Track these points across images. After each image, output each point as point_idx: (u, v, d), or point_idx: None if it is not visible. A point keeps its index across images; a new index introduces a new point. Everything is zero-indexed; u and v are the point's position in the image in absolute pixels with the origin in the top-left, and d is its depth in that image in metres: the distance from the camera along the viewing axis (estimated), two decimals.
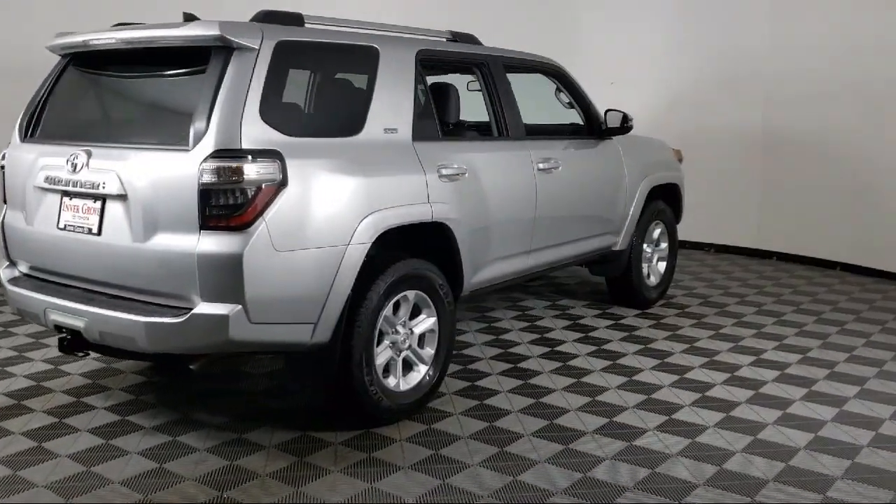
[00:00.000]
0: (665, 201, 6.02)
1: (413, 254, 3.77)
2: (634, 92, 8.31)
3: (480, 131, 5.61)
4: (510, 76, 5.45)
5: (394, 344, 3.72)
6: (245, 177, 3.02)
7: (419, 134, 3.84)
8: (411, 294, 3.73)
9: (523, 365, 4.55)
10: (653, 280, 5.92)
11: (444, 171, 3.84)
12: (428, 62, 4.16)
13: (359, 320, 3.45)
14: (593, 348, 4.86)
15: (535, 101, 5.48)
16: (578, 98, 5.17)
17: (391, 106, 3.72)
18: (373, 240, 3.43)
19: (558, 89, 5.19)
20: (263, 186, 3.06)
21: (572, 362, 4.60)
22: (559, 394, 4.11)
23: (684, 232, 8.25)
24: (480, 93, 4.54)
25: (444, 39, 4.38)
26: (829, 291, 6.43)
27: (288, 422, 3.72)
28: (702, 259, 7.76)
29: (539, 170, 4.54)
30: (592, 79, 8.39)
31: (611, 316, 5.59)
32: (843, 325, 5.45)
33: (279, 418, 3.76)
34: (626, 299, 5.83)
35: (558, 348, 4.85)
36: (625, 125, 5.16)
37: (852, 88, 6.99)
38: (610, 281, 5.83)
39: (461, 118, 5.30)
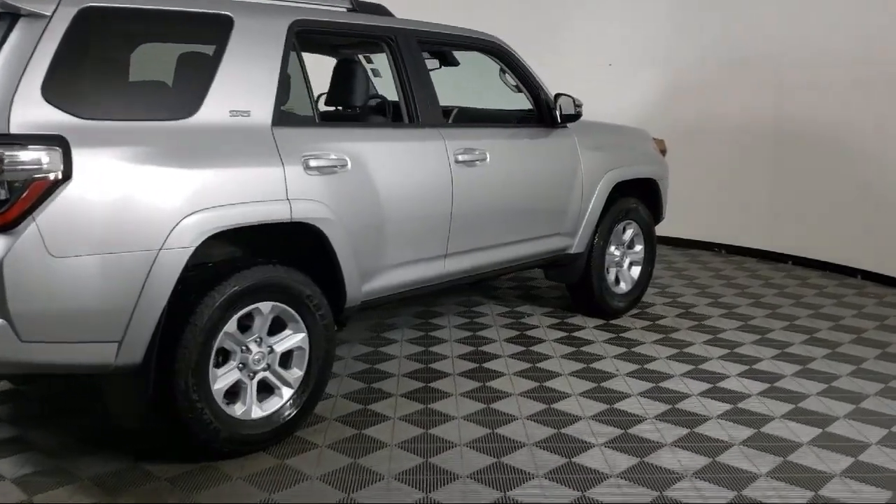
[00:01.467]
0: (641, 198, 5.34)
1: (285, 260, 3.25)
2: (634, 75, 7.57)
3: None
4: (459, 54, 4.89)
5: (244, 365, 3.19)
6: (6, 167, 2.52)
7: (284, 118, 3.29)
8: (266, 306, 3.19)
9: (437, 385, 3.96)
10: (623, 287, 5.24)
11: (312, 163, 3.28)
12: (309, 35, 3.60)
13: (185, 338, 2.93)
14: (525, 367, 4.24)
15: (486, 84, 4.87)
16: (525, 80, 4.53)
17: (243, 85, 3.17)
18: (196, 244, 2.90)
19: (502, 70, 4.55)
20: (34, 179, 2.55)
21: (493, 383, 3.99)
22: (457, 423, 3.52)
23: (693, 231, 7.55)
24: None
25: (344, 10, 3.79)
26: (837, 304, 5.62)
27: (117, 449, 3.23)
28: (707, 262, 6.99)
29: (457, 162, 3.93)
30: (589, 60, 7.73)
31: (567, 327, 4.94)
32: (835, 347, 4.68)
33: (107, 445, 3.28)
34: (588, 308, 5.18)
35: (486, 364, 4.25)
36: (571, 113, 4.49)
37: (879, 73, 6.12)
38: (569, 288, 5.17)
39: (376, 101, 4.78)
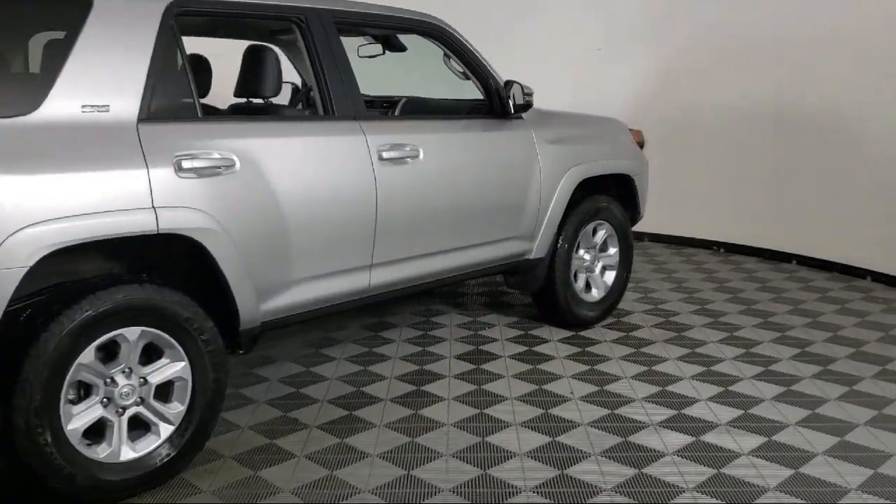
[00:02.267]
0: (616, 196, 4.83)
1: (170, 278, 2.83)
2: (627, 62, 7.01)
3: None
4: (413, 40, 4.43)
5: (110, 399, 2.76)
6: None
7: (155, 113, 2.83)
8: (132, 332, 2.75)
9: (362, 414, 3.50)
10: (595, 294, 4.73)
11: (187, 164, 2.83)
12: (194, 18, 3.15)
13: (24, 372, 2.51)
14: (468, 389, 3.76)
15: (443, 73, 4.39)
16: (471, 66, 4.03)
17: (101, 75, 2.72)
18: (31, 262, 2.46)
19: (446, 55, 4.06)
20: None
21: (427, 411, 3.52)
22: (369, 461, 3.06)
23: (689, 228, 6.99)
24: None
25: None
26: (839, 311, 5.05)
27: None
28: (701, 262, 6.44)
29: (382, 159, 3.45)
30: (578, 45, 7.19)
31: (528, 340, 4.45)
32: (828, 364, 4.13)
33: None
34: (554, 318, 4.68)
35: (427, 387, 3.78)
36: (521, 103, 4.00)
37: (892, 57, 5.52)
38: (533, 297, 4.68)
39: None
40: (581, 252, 4.65)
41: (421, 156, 3.61)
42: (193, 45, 3.41)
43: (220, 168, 2.92)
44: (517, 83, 3.98)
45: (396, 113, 4.46)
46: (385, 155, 3.46)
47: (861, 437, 3.28)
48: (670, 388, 3.79)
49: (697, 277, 5.90)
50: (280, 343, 4.40)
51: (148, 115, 2.80)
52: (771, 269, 6.19)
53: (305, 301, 3.31)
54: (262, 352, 4.24)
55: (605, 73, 7.09)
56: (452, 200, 3.79)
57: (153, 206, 2.72)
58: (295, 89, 4.96)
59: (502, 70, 4.13)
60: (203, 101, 3.84)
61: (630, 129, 4.99)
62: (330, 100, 3.39)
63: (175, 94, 2.94)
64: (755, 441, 3.24)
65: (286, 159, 3.13)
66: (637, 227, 7.16)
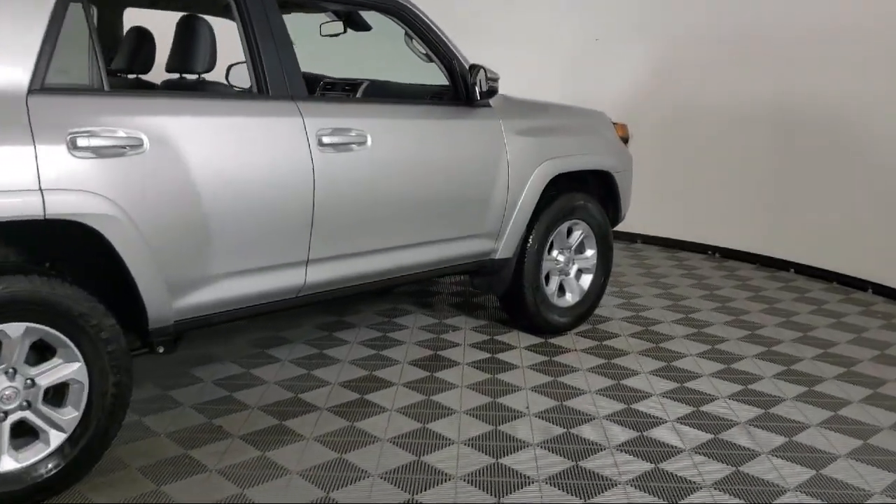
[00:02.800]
0: (596, 194, 4.50)
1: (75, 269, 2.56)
2: (623, 53, 6.65)
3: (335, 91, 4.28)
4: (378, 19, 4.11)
5: None
6: None
7: (50, 84, 2.53)
8: (15, 329, 2.45)
9: (292, 424, 3.20)
10: (569, 299, 4.40)
11: (82, 142, 2.52)
12: None
13: None
14: (416, 400, 3.45)
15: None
16: (434, 48, 3.70)
17: None
18: None
19: (407, 35, 3.73)
20: None
21: (364, 424, 3.21)
22: (286, 480, 2.75)
23: (683, 230, 6.63)
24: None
25: None
26: (833, 325, 4.70)
27: None
28: (693, 267, 6.08)
29: (322, 145, 3.13)
30: (576, 34, 6.84)
31: (492, 346, 4.13)
32: (814, 385, 3.79)
33: None
34: (523, 324, 4.35)
35: (370, 395, 3.47)
36: (484, 89, 3.67)
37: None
38: (500, 300, 4.35)
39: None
40: (554, 253, 4.32)
41: (369, 142, 3.29)
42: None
43: (124, 148, 2.61)
44: (482, 67, 3.65)
45: (358, 96, 4.16)
46: (326, 140, 3.14)
47: (841, 469, 2.94)
48: (637, 405, 3.46)
49: (686, 283, 5.55)
50: (229, 340, 4.10)
51: (41, 86, 2.50)
52: (766, 277, 5.83)
53: (229, 298, 3.00)
54: (203, 349, 3.95)
55: (601, 65, 6.75)
56: (404, 193, 3.47)
57: (40, 189, 2.42)
58: None
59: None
60: (145, 77, 3.58)
61: (614, 123, 4.65)
62: (263, 77, 3.07)
63: (77, 64, 2.64)
64: (721, 471, 2.90)
65: (205, 141, 2.82)
66: (630, 229, 6.89)
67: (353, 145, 3.25)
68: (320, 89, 4.44)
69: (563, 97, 5.13)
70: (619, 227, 6.88)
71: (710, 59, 6.22)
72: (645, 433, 3.20)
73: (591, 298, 4.49)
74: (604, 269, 4.53)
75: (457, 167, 3.67)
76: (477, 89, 3.69)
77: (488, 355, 4.01)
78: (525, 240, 4.08)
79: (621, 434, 3.18)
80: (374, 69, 4.72)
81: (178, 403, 3.37)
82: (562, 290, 4.41)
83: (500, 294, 4.20)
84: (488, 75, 3.64)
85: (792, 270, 5.97)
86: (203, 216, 2.82)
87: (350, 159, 3.24)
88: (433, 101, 3.83)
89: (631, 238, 6.93)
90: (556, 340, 4.27)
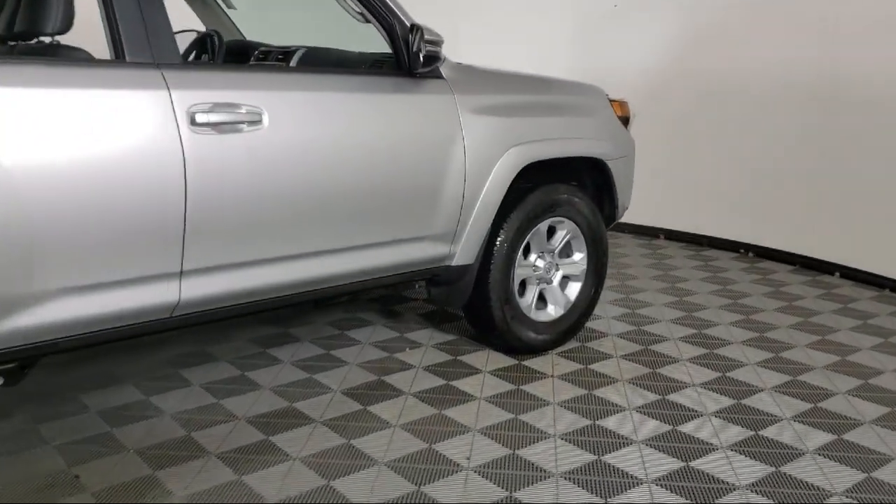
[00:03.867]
0: (587, 185, 3.76)
1: None
2: (644, 21, 5.82)
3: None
4: None
5: None
6: None
7: None
8: None
9: (163, 475, 2.55)
10: (551, 312, 3.66)
11: None
12: None
13: None
14: (336, 444, 2.77)
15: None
16: (368, 5, 2.98)
17: None
18: None
19: None
20: None
21: (266, 473, 2.55)
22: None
23: (713, 226, 5.80)
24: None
25: None
26: (881, 347, 3.85)
27: None
28: (721, 269, 5.25)
29: (195, 124, 2.46)
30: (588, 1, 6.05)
31: (452, 371, 3.42)
32: (843, 432, 2.99)
33: None
34: (493, 341, 3.64)
35: (278, 438, 2.80)
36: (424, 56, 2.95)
37: None
38: (465, 313, 3.64)
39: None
40: (531, 258, 3.58)
41: (265, 121, 2.60)
42: None
43: None
44: (421, 28, 2.93)
45: (292, 64, 3.48)
46: (201, 118, 2.47)
47: None
48: (609, 458, 2.72)
49: (708, 289, 4.74)
50: (134, 359, 3.48)
51: None
52: (806, 282, 4.98)
53: (69, 322, 2.36)
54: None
55: (619, 36, 5.93)
56: (316, 186, 2.78)
57: None
58: (197, 40, 4.01)
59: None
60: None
61: (612, 100, 3.87)
62: (118, 38, 2.41)
63: None
64: None
65: (27, 119, 2.17)
66: (651, 222, 6.08)
67: (243, 125, 2.57)
68: (254, 59, 3.77)
69: (573, 73, 4.37)
70: (639, 220, 6.14)
71: (746, 27, 5.36)
72: (611, 501, 2.46)
73: (580, 311, 3.74)
74: (596, 275, 3.77)
75: (392, 154, 2.96)
76: (420, 56, 2.97)
77: (442, 382, 3.31)
78: (490, 242, 3.36)
79: (580, 498, 2.45)
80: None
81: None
82: (543, 300, 3.68)
83: (461, 308, 3.48)
84: (426, 37, 2.92)
85: (837, 275, 5.09)
86: (26, 217, 2.18)
87: (237, 143, 2.56)
88: (367, 70, 3.12)
89: (652, 233, 6.12)
90: (532, 362, 3.54)
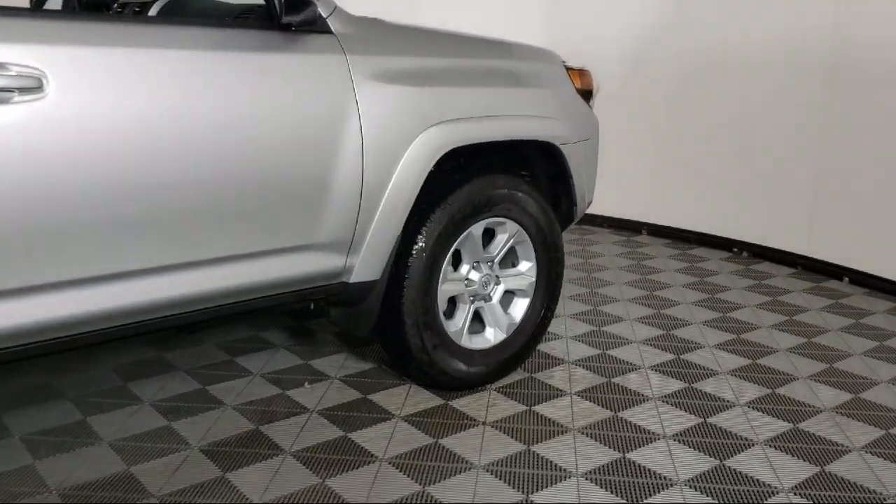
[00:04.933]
0: (539, 176, 3.00)
1: None
2: None
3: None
4: None
5: None
6: None
7: None
8: None
9: None
10: (489, 336, 2.89)
11: None
12: None
13: None
14: None
15: None
16: None
17: None
18: None
19: None
20: None
21: None
22: None
23: (704, 221, 5.02)
24: None
25: None
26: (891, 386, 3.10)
27: None
28: (709, 271, 4.48)
29: None
30: None
31: (357, 415, 2.67)
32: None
33: None
34: (413, 374, 2.88)
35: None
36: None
37: None
38: (377, 338, 2.87)
39: None
40: (463, 270, 2.81)
41: (49, 89, 1.82)
42: None
43: None
44: None
45: (153, 13, 2.69)
46: None
47: None
48: None
49: (693, 298, 3.97)
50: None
51: None
52: (809, 289, 4.21)
53: None
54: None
55: (597, 1, 5.14)
56: (133, 181, 1.99)
57: None
58: None
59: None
60: None
61: (569, 69, 3.08)
62: None
63: None
64: None
65: None
66: (633, 215, 5.31)
67: (12, 93, 1.78)
68: (113, 10, 2.97)
69: (544, 42, 3.57)
70: (619, 213, 5.38)
71: None
72: None
73: (527, 334, 2.98)
74: (548, 289, 3.01)
75: (253, 135, 2.17)
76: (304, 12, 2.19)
77: (338, 434, 2.54)
78: (404, 251, 2.58)
79: None
80: None
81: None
82: (481, 321, 2.91)
83: (365, 334, 2.71)
84: None
85: (846, 280, 4.32)
86: None
87: (7, 118, 1.78)
88: (225, 23, 2.33)
89: (634, 228, 5.35)
90: (463, 402, 2.78)
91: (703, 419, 2.69)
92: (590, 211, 4.15)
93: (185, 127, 2.04)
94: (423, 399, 2.79)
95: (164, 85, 2.01)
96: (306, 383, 2.89)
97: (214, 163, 2.10)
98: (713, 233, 4.98)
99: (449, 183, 2.66)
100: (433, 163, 2.52)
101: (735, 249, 4.89)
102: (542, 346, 3.24)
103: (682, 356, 3.22)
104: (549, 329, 3.35)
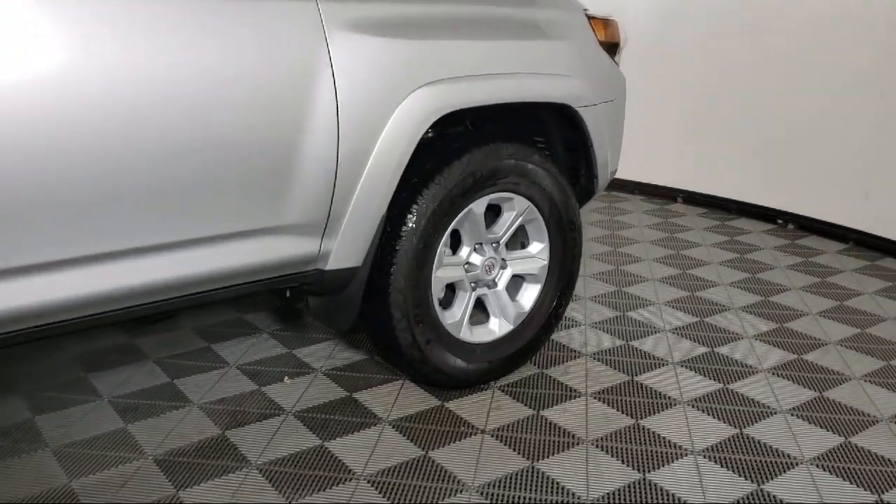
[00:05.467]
0: (552, 144, 2.61)
1: None
2: None
3: None
4: None
5: None
6: None
7: None
8: None
9: None
10: (494, 328, 2.54)
11: None
12: None
13: None
14: None
15: None
16: None
17: None
18: None
19: None
20: None
21: None
22: None
23: (745, 188, 4.58)
24: None
25: None
26: None
27: None
28: (750, 247, 4.05)
29: None
30: None
31: (344, 418, 2.34)
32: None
33: None
34: (405, 371, 2.54)
35: None
36: None
37: None
38: (365, 330, 2.53)
39: None
40: (463, 252, 2.44)
41: None
42: None
43: None
44: None
45: None
46: None
47: None
48: None
49: (731, 278, 3.56)
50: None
51: None
52: (862, 268, 3.76)
53: None
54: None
55: None
56: (50, 147, 1.64)
57: None
58: None
59: None
60: None
61: (591, 18, 2.65)
62: None
63: None
64: None
65: None
66: (667, 182, 4.88)
67: None
68: None
69: None
70: (652, 179, 4.95)
71: None
72: None
73: (538, 325, 2.61)
74: (563, 273, 2.63)
75: (203, 94, 1.80)
76: None
77: (315, 443, 2.22)
78: (391, 233, 2.22)
79: None
80: None
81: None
82: (484, 310, 2.55)
83: (347, 329, 2.36)
84: None
85: None
86: None
87: None
88: None
89: (668, 195, 4.92)
90: (461, 403, 2.43)
91: (738, 429, 2.31)
92: (619, 176, 3.76)
93: (122, 86, 1.68)
94: (417, 399, 2.45)
95: (94, 35, 1.65)
96: (286, 378, 2.56)
97: (157, 129, 1.74)
98: (756, 202, 4.54)
99: (446, 152, 2.28)
100: (424, 129, 2.14)
101: (779, 221, 4.44)
102: (557, 336, 2.88)
103: (716, 349, 2.83)
104: (566, 314, 2.98)
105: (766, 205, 4.48)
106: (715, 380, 2.60)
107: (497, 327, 2.54)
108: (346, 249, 2.14)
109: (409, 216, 2.22)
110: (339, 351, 2.75)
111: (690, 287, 3.44)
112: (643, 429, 2.31)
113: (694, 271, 3.64)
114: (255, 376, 2.57)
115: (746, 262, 3.79)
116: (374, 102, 2.05)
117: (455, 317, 2.43)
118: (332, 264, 2.14)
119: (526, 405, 2.43)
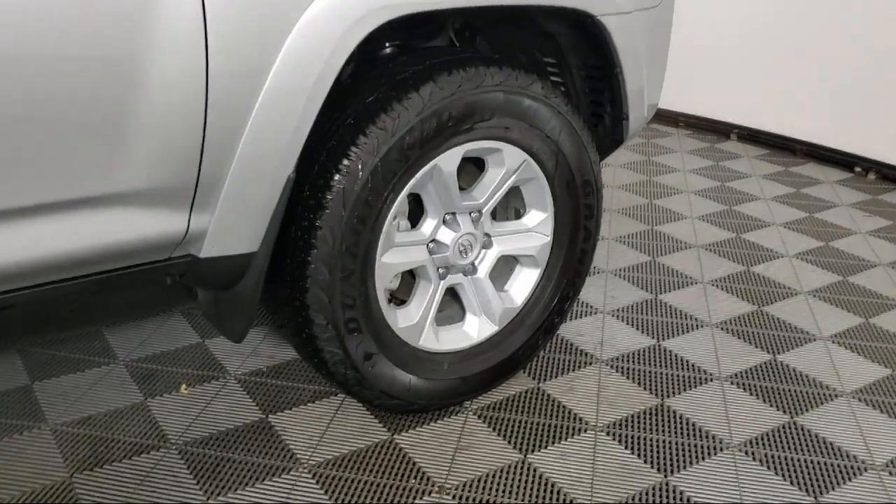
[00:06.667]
0: (564, 70, 1.82)
1: None
2: None
3: None
4: None
5: None
6: None
7: None
8: None
9: None
10: (471, 331, 1.80)
11: None
12: None
13: None
14: None
15: None
16: None
17: None
18: None
19: None
20: None
21: None
22: None
23: (816, 128, 3.72)
24: None
25: None
26: None
27: None
28: (818, 202, 3.24)
29: None
30: None
31: (256, 463, 1.65)
32: None
33: None
34: (342, 389, 1.83)
35: None
36: None
37: None
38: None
39: None
40: (427, 226, 1.69)
41: None
42: None
43: None
44: None
45: None
46: None
47: None
48: None
49: (797, 247, 2.77)
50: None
51: None
52: None
53: None
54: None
55: None
56: None
57: None
58: None
59: None
60: None
61: None
62: None
63: None
64: None
65: None
66: (720, 115, 4.03)
67: None
68: None
69: None
70: (701, 111, 4.11)
71: None
72: None
73: (534, 325, 1.87)
74: (571, 253, 1.87)
75: None
76: None
77: (237, 502, 1.53)
78: (305, 203, 1.48)
79: None
80: None
81: None
82: (460, 306, 1.82)
83: (240, 339, 1.63)
84: None
85: None
86: None
87: None
88: None
89: (721, 131, 4.07)
90: (418, 435, 1.73)
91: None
92: (661, 105, 2.97)
93: None
94: (356, 428, 1.75)
95: None
96: (184, 387, 1.87)
97: None
98: (828, 144, 3.69)
99: (394, 80, 1.51)
100: (357, 39, 1.37)
101: (857, 169, 3.60)
102: (563, 329, 2.15)
103: (778, 356, 2.08)
104: (579, 296, 2.25)
105: (841, 148, 3.63)
106: (780, 409, 1.87)
107: (475, 329, 1.81)
108: (229, 228, 1.40)
109: (336, 177, 1.47)
110: (267, 345, 2.05)
111: (745, 258, 2.66)
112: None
113: (749, 236, 2.86)
114: (145, 380, 1.89)
115: (817, 225, 2.98)
116: (265, 3, 1.27)
117: (412, 318, 1.70)
118: (208, 249, 1.41)
119: (509, 443, 1.72)
